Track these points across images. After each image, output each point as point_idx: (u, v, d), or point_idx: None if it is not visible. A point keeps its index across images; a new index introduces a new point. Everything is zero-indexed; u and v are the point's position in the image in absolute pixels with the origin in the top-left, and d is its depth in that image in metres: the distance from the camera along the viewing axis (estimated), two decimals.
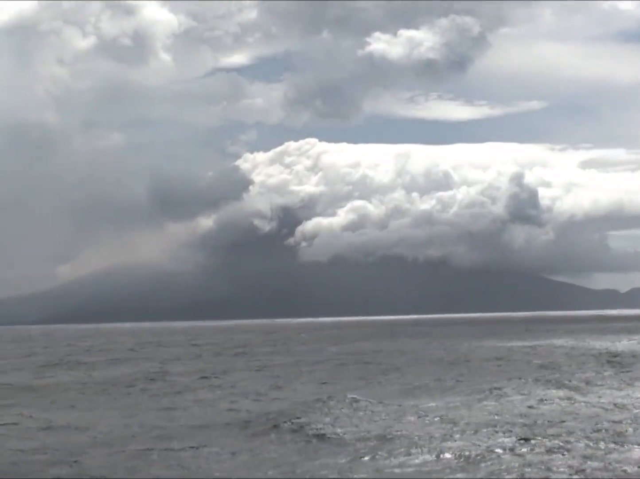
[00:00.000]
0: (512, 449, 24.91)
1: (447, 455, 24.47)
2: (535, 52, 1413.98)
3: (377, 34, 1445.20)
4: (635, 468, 22.19)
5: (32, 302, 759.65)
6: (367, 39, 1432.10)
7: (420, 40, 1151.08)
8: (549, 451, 24.65)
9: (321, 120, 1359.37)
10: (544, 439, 26.05)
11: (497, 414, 32.03)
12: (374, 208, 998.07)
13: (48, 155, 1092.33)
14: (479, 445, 25.58)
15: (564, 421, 30.05)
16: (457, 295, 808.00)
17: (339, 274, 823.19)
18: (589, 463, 22.93)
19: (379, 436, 27.62)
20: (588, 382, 44.18)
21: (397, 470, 23.05)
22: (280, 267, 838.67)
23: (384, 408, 34.91)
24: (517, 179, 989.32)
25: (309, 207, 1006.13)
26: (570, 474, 21.83)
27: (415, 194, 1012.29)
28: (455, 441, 26.51)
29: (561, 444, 25.38)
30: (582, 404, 34.98)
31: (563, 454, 24.06)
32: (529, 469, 22.33)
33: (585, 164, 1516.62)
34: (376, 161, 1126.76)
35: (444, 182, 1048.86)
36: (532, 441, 25.65)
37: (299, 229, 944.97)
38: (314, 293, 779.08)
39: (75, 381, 53.07)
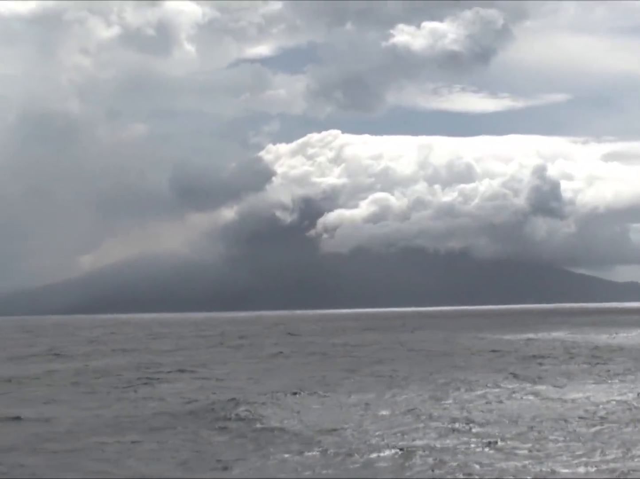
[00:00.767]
0: (441, 441, 25.18)
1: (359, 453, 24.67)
2: (558, 44, 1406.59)
3: (400, 26, 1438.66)
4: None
5: (54, 292, 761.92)
6: (391, 31, 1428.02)
7: (443, 32, 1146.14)
8: (486, 445, 24.92)
9: (344, 111, 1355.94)
10: (475, 438, 26.27)
11: (447, 409, 32.24)
12: (395, 200, 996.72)
13: (71, 145, 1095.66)
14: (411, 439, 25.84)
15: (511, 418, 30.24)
16: (478, 287, 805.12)
17: (360, 266, 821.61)
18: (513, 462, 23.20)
19: (321, 430, 27.91)
20: (570, 377, 44.29)
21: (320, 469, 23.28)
22: (301, 259, 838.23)
23: (338, 401, 35.21)
24: (540, 171, 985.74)
25: (331, 198, 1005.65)
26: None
27: (437, 186, 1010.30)
28: (384, 437, 26.76)
29: (491, 440, 25.63)
30: (539, 400, 35.14)
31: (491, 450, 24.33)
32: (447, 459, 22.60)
33: (608, 157, 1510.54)
34: (399, 152, 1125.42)
35: (467, 174, 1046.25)
36: (464, 438, 25.95)
37: (321, 220, 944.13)
38: (335, 285, 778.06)
39: (64, 371, 53.53)
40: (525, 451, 24.08)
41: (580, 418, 29.49)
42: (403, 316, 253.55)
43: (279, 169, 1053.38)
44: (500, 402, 33.99)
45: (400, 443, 25.07)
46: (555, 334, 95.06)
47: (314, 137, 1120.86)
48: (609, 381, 41.37)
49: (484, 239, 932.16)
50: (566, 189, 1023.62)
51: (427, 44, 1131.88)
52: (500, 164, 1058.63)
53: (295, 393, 37.64)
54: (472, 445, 24.88)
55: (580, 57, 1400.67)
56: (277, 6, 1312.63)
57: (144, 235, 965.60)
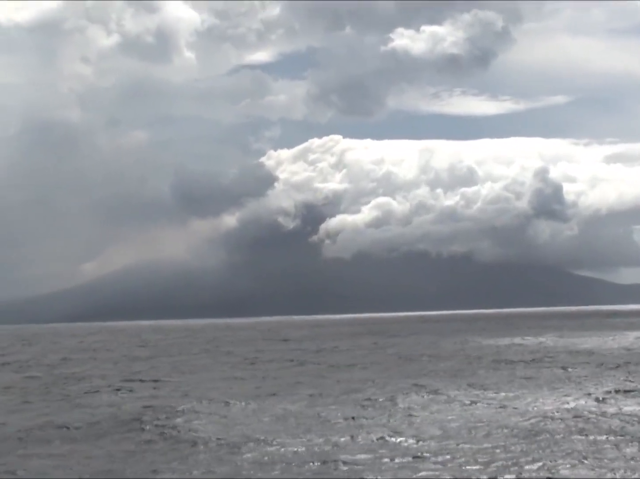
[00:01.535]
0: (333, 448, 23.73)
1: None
2: (558, 46, 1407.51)
3: (399, 30, 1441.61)
4: None
5: (56, 301, 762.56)
6: (390, 35, 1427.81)
7: (443, 35, 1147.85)
8: (407, 455, 23.47)
9: (345, 116, 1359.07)
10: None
11: (383, 418, 30.84)
12: (397, 204, 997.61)
13: (72, 153, 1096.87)
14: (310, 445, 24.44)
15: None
16: (481, 291, 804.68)
17: (363, 271, 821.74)
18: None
19: (234, 440, 26.54)
20: (527, 383, 42.95)
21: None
22: (303, 264, 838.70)
23: (272, 409, 34.00)
24: (542, 174, 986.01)
25: (333, 204, 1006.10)
26: None
27: (439, 190, 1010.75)
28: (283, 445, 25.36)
29: (415, 452, 24.18)
30: (482, 407, 33.73)
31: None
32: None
33: (610, 159, 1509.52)
34: (400, 157, 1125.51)
35: (469, 178, 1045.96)
36: (386, 450, 24.58)
37: (323, 226, 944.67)
38: (338, 290, 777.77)
39: (26, 380, 52.55)
40: (437, 460, 22.61)
41: (509, 427, 28.00)
42: (404, 321, 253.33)
43: (281, 175, 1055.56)
44: (437, 412, 32.49)
45: (312, 457, 23.52)
46: (541, 339, 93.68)
47: (315, 142, 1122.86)
48: (562, 388, 39.67)
49: (487, 243, 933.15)
50: (568, 191, 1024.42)
51: (426, 48, 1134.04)
52: (502, 167, 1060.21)
53: (227, 402, 36.33)
54: (397, 459, 23.34)
55: (580, 58, 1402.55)
56: (276, 12, 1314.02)
57: (146, 242, 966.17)
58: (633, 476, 20.70)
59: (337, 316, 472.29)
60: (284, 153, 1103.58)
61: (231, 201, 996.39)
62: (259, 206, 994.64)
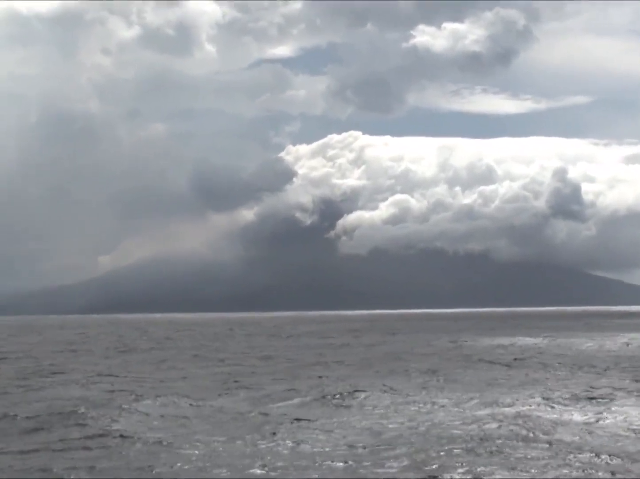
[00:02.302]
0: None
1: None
2: (581, 46, 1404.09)
3: (421, 27, 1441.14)
4: None
5: (74, 292, 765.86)
6: (411, 32, 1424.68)
7: (464, 33, 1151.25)
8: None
9: (364, 112, 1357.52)
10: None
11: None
12: (415, 202, 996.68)
13: (91, 145, 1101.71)
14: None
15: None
16: (498, 289, 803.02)
17: (379, 267, 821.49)
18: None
19: (167, 439, 27.03)
20: (489, 384, 43.27)
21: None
22: (320, 260, 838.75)
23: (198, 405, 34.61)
24: (560, 174, 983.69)
25: (351, 200, 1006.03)
26: None
27: (457, 189, 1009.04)
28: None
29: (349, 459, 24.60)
30: (427, 410, 34.15)
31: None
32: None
33: (630, 159, 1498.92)
34: (419, 154, 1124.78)
35: (487, 176, 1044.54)
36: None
37: (340, 222, 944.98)
38: (354, 286, 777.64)
39: (8, 370, 52.97)
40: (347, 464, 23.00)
41: (447, 429, 28.38)
42: (415, 318, 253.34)
43: (300, 170, 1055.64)
44: (385, 413, 32.81)
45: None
46: (539, 339, 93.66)
47: (334, 138, 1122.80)
48: (526, 391, 39.65)
49: (504, 242, 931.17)
50: (587, 191, 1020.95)
51: (447, 45, 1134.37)
52: (521, 166, 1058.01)
53: (175, 401, 36.68)
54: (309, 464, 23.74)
55: (602, 59, 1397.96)
56: (297, 6, 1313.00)
57: (164, 235, 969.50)
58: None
59: (352, 312, 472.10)
60: (303, 148, 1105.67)
61: (249, 196, 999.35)
62: (277, 200, 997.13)
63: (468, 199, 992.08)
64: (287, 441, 26.01)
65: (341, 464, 22.90)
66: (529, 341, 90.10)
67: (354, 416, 31.71)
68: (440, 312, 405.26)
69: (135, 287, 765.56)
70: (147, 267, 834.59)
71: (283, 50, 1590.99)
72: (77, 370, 54.14)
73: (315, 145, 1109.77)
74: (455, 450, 24.21)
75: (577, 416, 30.98)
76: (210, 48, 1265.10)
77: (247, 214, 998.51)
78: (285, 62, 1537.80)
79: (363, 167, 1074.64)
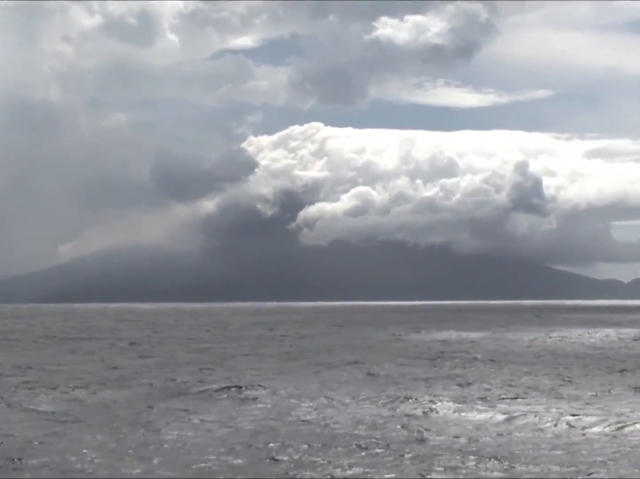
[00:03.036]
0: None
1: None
2: (543, 40, 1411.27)
3: (383, 19, 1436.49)
4: None
5: (33, 281, 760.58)
6: (374, 24, 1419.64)
7: (426, 25, 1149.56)
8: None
9: (326, 104, 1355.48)
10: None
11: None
12: (377, 194, 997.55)
13: (52, 134, 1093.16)
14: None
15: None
16: (458, 282, 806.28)
17: (340, 259, 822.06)
18: None
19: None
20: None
21: None
22: (281, 251, 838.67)
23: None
24: (522, 167, 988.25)
25: (313, 192, 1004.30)
26: None
27: (419, 181, 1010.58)
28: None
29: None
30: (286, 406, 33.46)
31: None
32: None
33: (591, 154, 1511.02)
34: (381, 146, 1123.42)
35: (449, 169, 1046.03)
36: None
37: (301, 213, 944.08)
38: (314, 277, 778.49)
39: None
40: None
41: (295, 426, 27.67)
42: (370, 311, 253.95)
43: (261, 161, 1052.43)
44: (248, 409, 32.15)
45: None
46: (477, 334, 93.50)
47: (296, 129, 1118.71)
48: (430, 387, 39.14)
49: (465, 234, 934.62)
50: (548, 185, 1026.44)
51: (410, 37, 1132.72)
52: (482, 160, 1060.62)
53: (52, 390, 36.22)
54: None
55: (565, 53, 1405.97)
56: None
57: (125, 225, 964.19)
58: None
59: (310, 304, 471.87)
60: (265, 139, 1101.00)
61: (211, 186, 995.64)
62: (238, 191, 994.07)
63: (429, 191, 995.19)
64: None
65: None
66: (471, 335, 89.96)
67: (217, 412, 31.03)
68: (400, 305, 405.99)
69: (95, 276, 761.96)
70: (107, 256, 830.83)
71: (245, 40, 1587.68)
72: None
73: (277, 136, 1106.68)
74: (315, 448, 23.57)
75: (476, 415, 30.11)
76: (172, 38, 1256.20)
77: (208, 205, 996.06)
78: (247, 52, 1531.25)
79: (325, 159, 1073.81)
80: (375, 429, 26.94)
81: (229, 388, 37.05)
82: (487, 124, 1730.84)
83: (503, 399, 34.68)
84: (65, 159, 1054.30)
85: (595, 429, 27.17)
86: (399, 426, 27.35)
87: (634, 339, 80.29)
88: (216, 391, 36.48)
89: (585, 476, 20.50)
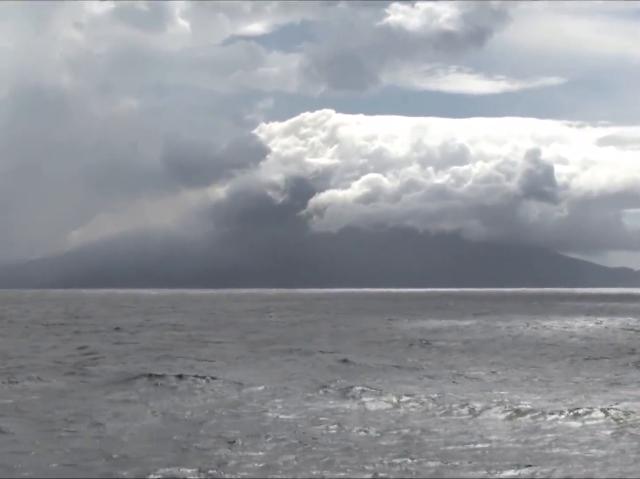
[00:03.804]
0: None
1: None
2: (556, 27, 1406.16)
3: (395, 5, 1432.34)
4: None
5: (44, 266, 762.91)
6: (385, 10, 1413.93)
7: (438, 12, 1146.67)
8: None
9: (338, 90, 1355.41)
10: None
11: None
12: (388, 181, 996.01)
13: (63, 119, 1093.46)
14: None
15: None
16: (469, 269, 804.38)
17: (350, 246, 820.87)
18: None
19: None
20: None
21: None
22: (291, 238, 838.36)
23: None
24: (533, 155, 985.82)
25: (323, 179, 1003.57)
26: None
27: (430, 168, 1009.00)
28: None
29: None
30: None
31: None
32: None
33: (603, 141, 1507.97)
34: (393, 133, 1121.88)
35: (460, 156, 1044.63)
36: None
37: (312, 200, 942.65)
38: (324, 264, 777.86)
39: None
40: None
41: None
42: (376, 298, 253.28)
43: (273, 148, 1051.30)
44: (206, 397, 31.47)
45: None
46: (473, 321, 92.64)
47: (307, 116, 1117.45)
48: (387, 378, 38.08)
49: (475, 222, 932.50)
50: (560, 173, 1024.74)
51: (421, 24, 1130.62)
52: (494, 147, 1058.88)
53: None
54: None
55: (577, 40, 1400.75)
56: None
57: (135, 211, 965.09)
58: None
59: (319, 290, 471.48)
60: (276, 126, 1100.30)
61: (221, 172, 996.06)
62: (249, 178, 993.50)
63: (440, 179, 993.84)
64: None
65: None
66: (463, 323, 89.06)
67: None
68: (409, 292, 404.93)
69: (105, 262, 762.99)
70: (117, 242, 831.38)
71: (256, 27, 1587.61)
72: None
73: (287, 123, 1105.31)
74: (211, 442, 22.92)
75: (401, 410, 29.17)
76: (183, 24, 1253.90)
77: (219, 191, 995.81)
78: (258, 39, 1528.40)
79: (336, 146, 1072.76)
80: (310, 423, 25.98)
81: (184, 376, 35.97)
82: (499, 111, 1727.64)
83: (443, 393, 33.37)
84: (76, 144, 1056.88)
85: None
86: (333, 420, 26.42)
87: (621, 329, 78.30)
88: (169, 379, 35.48)
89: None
